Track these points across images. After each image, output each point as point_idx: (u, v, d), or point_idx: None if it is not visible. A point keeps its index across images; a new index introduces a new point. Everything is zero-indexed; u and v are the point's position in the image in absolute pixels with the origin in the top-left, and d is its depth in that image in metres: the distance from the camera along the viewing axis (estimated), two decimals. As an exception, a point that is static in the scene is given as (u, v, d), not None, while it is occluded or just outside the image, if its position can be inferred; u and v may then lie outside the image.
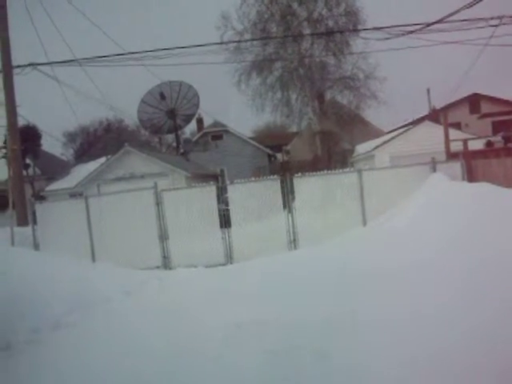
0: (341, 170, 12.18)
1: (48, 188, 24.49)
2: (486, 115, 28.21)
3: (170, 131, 27.48)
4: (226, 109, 52.28)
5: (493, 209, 7.84)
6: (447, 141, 12.96)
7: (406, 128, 20.91)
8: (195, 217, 11.22)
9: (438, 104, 24.60)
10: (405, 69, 46.31)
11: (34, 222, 11.85)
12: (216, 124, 31.63)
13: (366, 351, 4.46)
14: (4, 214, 17.17)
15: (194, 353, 4.95)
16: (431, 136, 16.27)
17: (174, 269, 10.75)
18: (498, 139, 17.76)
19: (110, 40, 17.86)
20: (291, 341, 4.91)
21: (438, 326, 4.73)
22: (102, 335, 5.94)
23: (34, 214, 11.94)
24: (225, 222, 11.45)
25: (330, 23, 25.67)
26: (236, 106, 39.91)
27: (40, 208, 11.99)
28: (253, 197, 11.21)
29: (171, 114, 25.72)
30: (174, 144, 28.88)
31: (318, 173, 11.88)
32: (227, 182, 12.59)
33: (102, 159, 22.42)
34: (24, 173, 19.64)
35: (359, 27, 23.94)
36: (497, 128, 24.88)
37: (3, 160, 15.65)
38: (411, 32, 16.12)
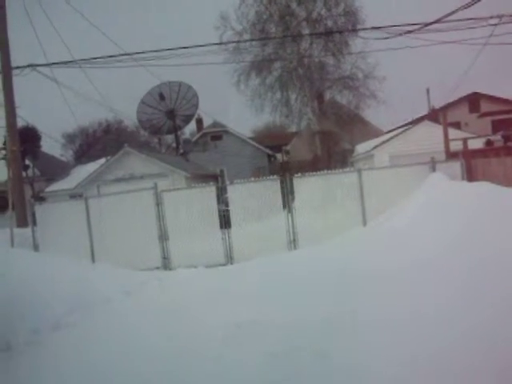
0: (340, 170, 12.17)
1: (48, 189, 24.48)
2: (486, 114, 28.21)
3: (169, 132, 27.49)
4: (226, 109, 52.24)
5: (493, 208, 7.83)
6: (447, 140, 12.95)
7: (405, 128, 20.91)
8: (195, 217, 11.22)
9: (438, 103, 24.64)
10: (404, 68, 46.38)
11: (34, 223, 11.84)
12: (215, 124, 31.64)
13: (365, 351, 4.45)
14: (4, 215, 17.19)
15: (193, 353, 4.95)
16: (431, 135, 16.27)
17: (174, 269, 10.74)
18: (497, 138, 17.76)
19: (109, 41, 17.87)
20: (291, 341, 4.91)
21: (437, 326, 4.73)
22: (103, 336, 5.94)
23: (33, 215, 11.93)
24: (225, 222, 11.45)
25: (329, 23, 25.69)
26: (235, 107, 39.88)
27: (40, 209, 11.99)
28: (253, 197, 11.21)
29: (170, 114, 25.72)
30: (174, 144, 28.90)
31: (318, 173, 11.88)
32: (227, 183, 12.58)
33: (102, 160, 22.42)
34: (23, 174, 19.69)
35: (358, 27, 23.98)
36: (496, 127, 24.86)
37: (3, 161, 15.63)
38: (410, 32, 16.16)
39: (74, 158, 40.35)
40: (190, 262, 10.48)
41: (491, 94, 29.84)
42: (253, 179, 12.06)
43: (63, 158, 38.02)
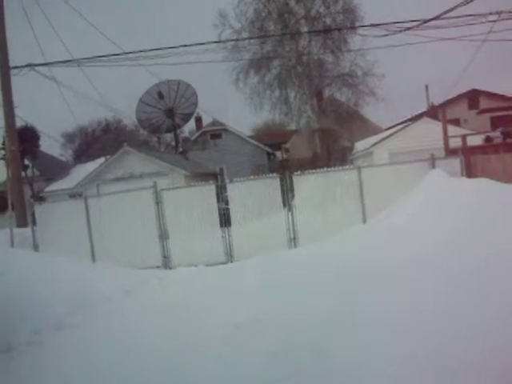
0: (340, 168, 12.20)
1: (47, 189, 24.47)
2: (485, 111, 28.20)
3: (168, 130, 27.42)
4: (225, 107, 52.17)
5: (492, 204, 7.84)
6: (446, 137, 12.94)
7: (404, 124, 20.89)
8: (195, 216, 11.22)
9: (437, 100, 24.54)
10: (403, 65, 46.30)
11: (34, 222, 11.84)
12: (215, 123, 31.60)
13: (365, 349, 4.46)
14: (3, 215, 17.19)
15: (194, 351, 4.95)
16: (430, 132, 16.25)
17: (174, 268, 10.75)
18: (496, 135, 17.76)
19: (108, 40, 17.85)
20: (291, 339, 4.91)
21: (437, 323, 4.74)
22: (103, 335, 5.94)
23: (33, 214, 11.93)
24: (225, 220, 11.45)
25: (328, 21, 25.65)
26: (234, 105, 39.83)
27: (39, 209, 11.98)
28: (252, 195, 11.21)
29: (170, 113, 25.66)
30: (173, 143, 28.84)
31: (318, 170, 11.85)
32: (227, 181, 12.60)
33: (101, 159, 22.41)
34: (23, 174, 19.67)
35: (357, 24, 23.98)
36: (495, 123, 24.85)
37: (2, 161, 15.61)
38: (409, 28, 16.11)
39: (74, 157, 40.30)
40: (190, 260, 10.48)
41: (490, 90, 29.81)
42: (252, 177, 12.01)
43: (62, 158, 38.05)
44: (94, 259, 11.18)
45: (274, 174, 11.74)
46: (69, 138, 41.69)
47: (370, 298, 5.81)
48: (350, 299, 5.88)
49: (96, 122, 41.73)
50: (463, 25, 15.05)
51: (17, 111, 15.12)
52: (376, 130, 27.33)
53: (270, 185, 11.24)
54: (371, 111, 28.01)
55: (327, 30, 24.96)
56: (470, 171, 10.91)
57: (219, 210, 11.35)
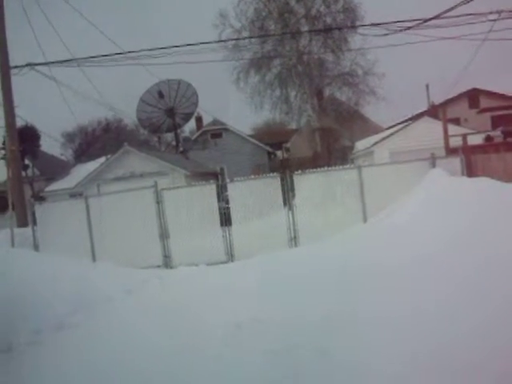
0: (341, 167, 12.21)
1: (47, 188, 24.47)
2: (485, 110, 28.16)
3: (169, 130, 27.42)
4: (225, 107, 52.16)
5: (493, 203, 7.84)
6: (446, 136, 12.93)
7: (405, 124, 20.87)
8: (196, 215, 11.22)
9: (437, 99, 24.50)
10: (403, 65, 46.29)
11: (34, 222, 11.83)
12: (215, 122, 31.60)
13: (366, 348, 4.45)
14: (4, 215, 17.19)
15: (195, 351, 4.95)
16: (430, 131, 16.24)
17: (175, 267, 10.75)
18: (497, 134, 17.74)
19: (108, 39, 17.86)
20: (292, 339, 4.91)
21: (438, 322, 4.74)
22: (104, 335, 5.94)
23: (33, 214, 11.92)
24: (225, 219, 11.45)
25: (328, 20, 25.63)
26: (235, 104, 39.83)
27: (40, 209, 11.97)
28: (253, 194, 11.21)
29: (170, 112, 25.66)
30: (174, 143, 28.83)
31: (318, 170, 11.84)
32: (227, 180, 12.61)
33: (102, 159, 22.39)
34: (23, 173, 19.66)
35: (357, 23, 23.92)
36: (496, 123, 24.83)
37: (2, 161, 15.62)
38: (409, 28, 16.07)
39: (74, 157, 40.31)
40: (190, 259, 10.48)
41: (491, 89, 29.77)
42: (253, 177, 12.01)
43: (63, 157, 38.02)
44: (94, 259, 11.18)
45: (275, 174, 11.75)
46: (69, 137, 41.71)
47: (370, 297, 5.80)
48: (351, 298, 5.88)
49: (96, 121, 41.84)
50: (463, 24, 15.03)
51: (17, 111, 15.11)
52: (376, 130, 27.32)
53: (271, 184, 11.24)
54: (372, 110, 27.92)
55: (328, 30, 24.94)
56: (470, 170, 10.91)
57: (220, 209, 11.35)
